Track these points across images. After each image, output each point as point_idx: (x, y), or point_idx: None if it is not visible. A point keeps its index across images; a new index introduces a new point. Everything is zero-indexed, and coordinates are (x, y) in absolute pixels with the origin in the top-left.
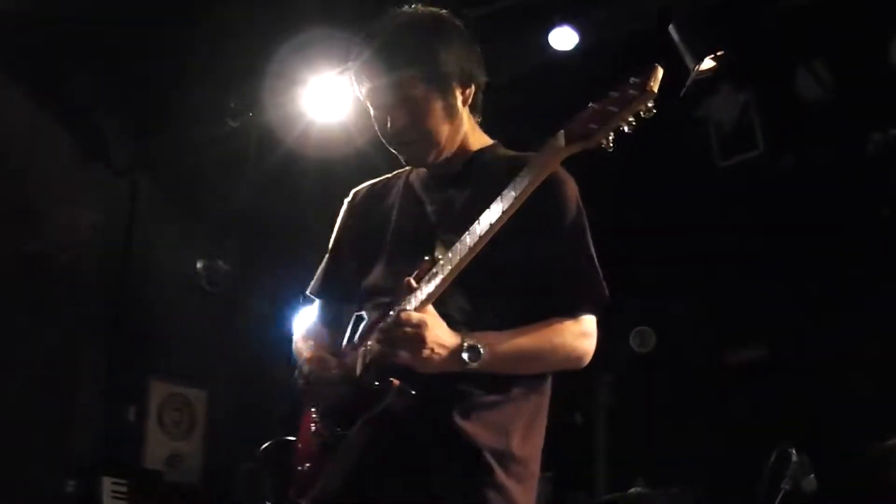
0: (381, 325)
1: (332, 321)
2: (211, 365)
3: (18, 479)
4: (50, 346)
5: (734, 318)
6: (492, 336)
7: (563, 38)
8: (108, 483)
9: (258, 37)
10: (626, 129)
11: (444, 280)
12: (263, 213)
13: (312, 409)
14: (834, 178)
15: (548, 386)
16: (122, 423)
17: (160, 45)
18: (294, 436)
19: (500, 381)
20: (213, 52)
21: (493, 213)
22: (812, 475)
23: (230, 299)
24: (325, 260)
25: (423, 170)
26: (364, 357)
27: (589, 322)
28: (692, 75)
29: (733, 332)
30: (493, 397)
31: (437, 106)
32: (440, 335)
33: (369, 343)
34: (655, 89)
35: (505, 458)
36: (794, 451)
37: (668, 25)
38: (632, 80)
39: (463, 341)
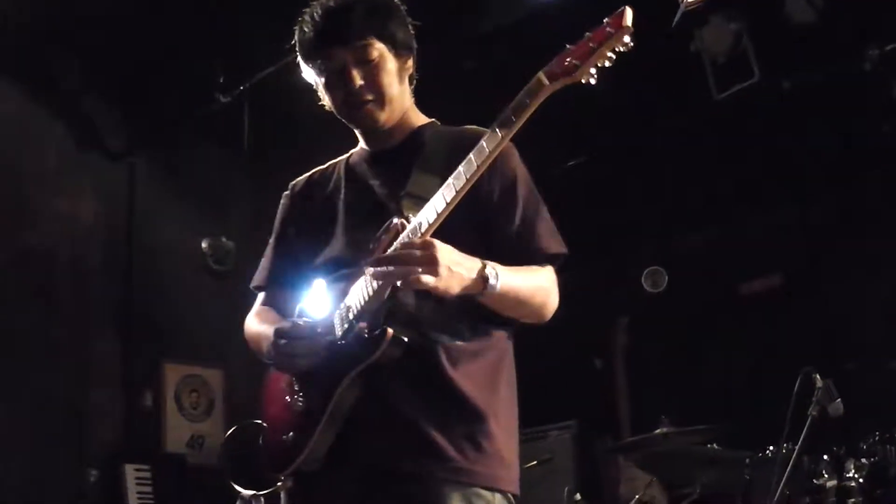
0: (390, 252)
1: (281, 310)
2: (224, 343)
3: (41, 473)
4: (61, 338)
5: (745, 249)
6: (498, 266)
7: None
8: (130, 470)
9: (246, 10)
10: (606, 63)
11: (438, 217)
12: (263, 184)
13: (286, 380)
14: (834, 99)
15: (512, 341)
16: (140, 409)
17: (145, 25)
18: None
19: (479, 330)
20: (200, 28)
21: (491, 141)
22: (838, 399)
23: (237, 275)
24: (269, 251)
25: (362, 151)
26: (347, 313)
27: (553, 272)
28: (681, 7)
29: (745, 264)
30: (474, 345)
31: (391, 67)
32: (454, 256)
33: (350, 301)
34: (630, 25)
35: (491, 407)
36: (818, 376)
37: None
38: (606, 20)
39: (484, 264)
